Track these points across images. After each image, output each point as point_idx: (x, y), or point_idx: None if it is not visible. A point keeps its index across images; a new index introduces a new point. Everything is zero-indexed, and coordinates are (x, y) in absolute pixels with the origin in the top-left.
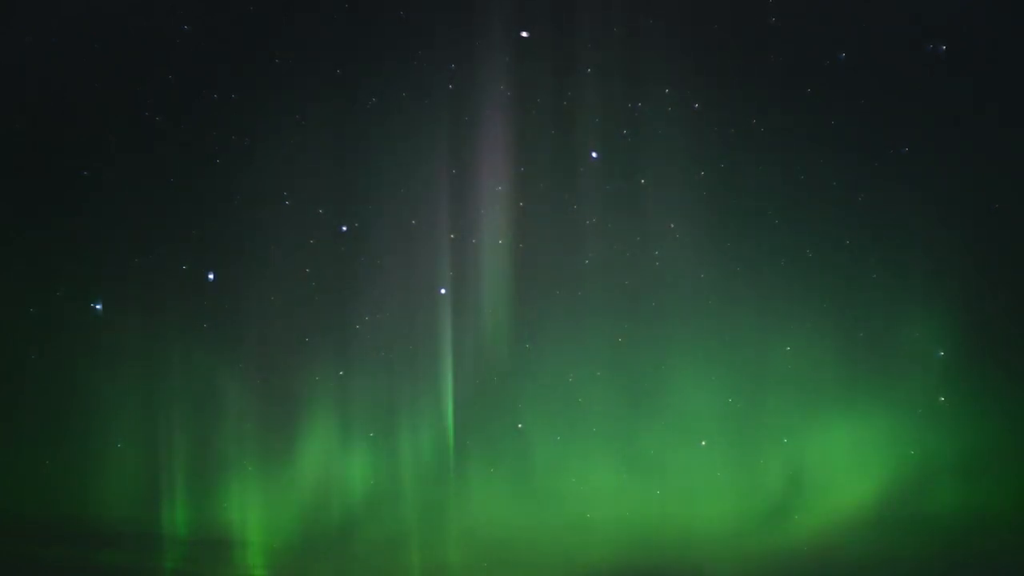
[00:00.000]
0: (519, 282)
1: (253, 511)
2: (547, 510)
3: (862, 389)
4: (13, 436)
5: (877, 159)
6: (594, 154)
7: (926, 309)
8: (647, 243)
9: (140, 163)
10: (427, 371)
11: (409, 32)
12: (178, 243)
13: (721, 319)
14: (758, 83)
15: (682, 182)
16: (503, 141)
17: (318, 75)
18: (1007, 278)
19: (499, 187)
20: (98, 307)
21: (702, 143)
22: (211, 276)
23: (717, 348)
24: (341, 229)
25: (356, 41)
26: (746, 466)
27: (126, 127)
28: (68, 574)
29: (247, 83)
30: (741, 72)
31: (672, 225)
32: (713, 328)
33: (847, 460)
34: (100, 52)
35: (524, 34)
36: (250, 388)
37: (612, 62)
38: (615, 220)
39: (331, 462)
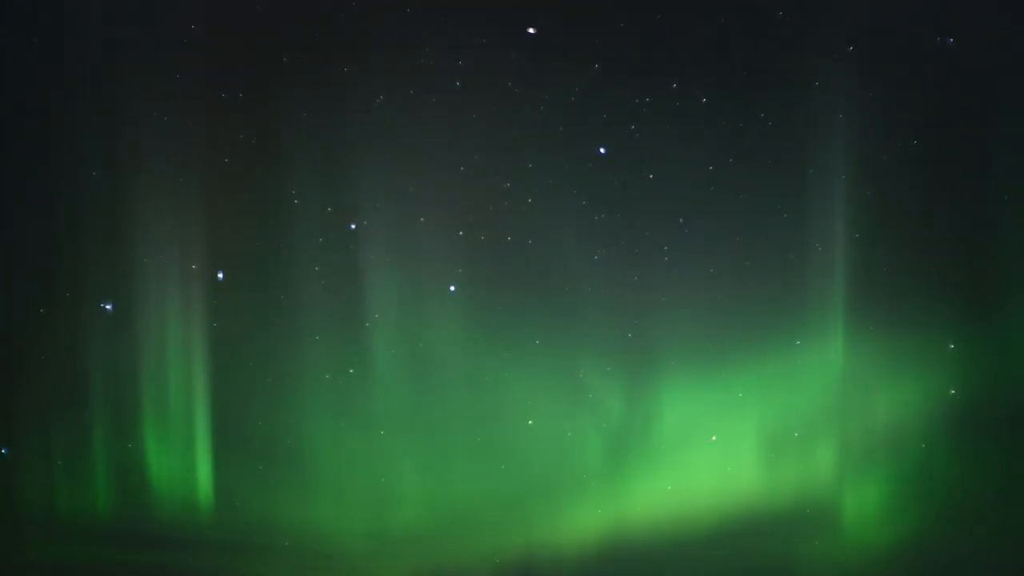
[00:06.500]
0: (527, 279)
1: (262, 511)
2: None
3: (870, 384)
4: (18, 436)
5: (886, 153)
6: (602, 150)
7: (936, 302)
8: (656, 238)
9: (148, 163)
10: (433, 369)
11: (415, 29)
12: (187, 242)
13: (730, 314)
14: (765, 77)
15: (690, 177)
16: (511, 138)
17: (324, 73)
18: (1018, 270)
19: (507, 184)
20: (108, 307)
21: (710, 137)
22: (220, 275)
23: (726, 344)
24: (350, 227)
25: (362, 39)
26: (755, 462)
27: (134, 127)
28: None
29: (254, 82)
30: (748, 66)
31: (681, 220)
32: (723, 323)
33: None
34: (107, 52)
35: (531, 31)
36: (257, 388)
37: (619, 57)
38: (624, 215)
39: (334, 462)
